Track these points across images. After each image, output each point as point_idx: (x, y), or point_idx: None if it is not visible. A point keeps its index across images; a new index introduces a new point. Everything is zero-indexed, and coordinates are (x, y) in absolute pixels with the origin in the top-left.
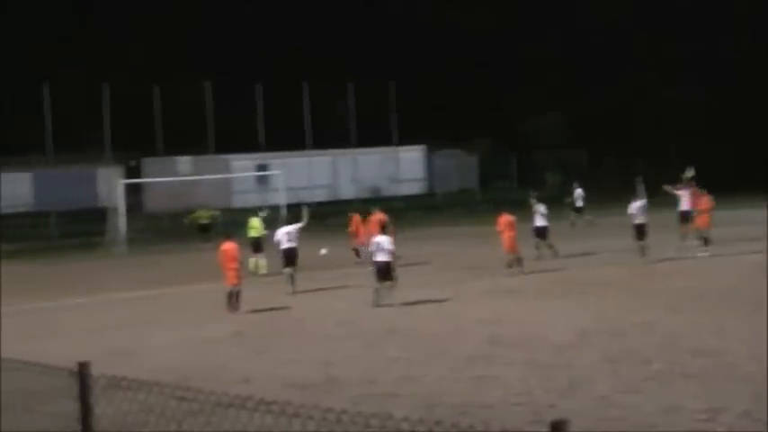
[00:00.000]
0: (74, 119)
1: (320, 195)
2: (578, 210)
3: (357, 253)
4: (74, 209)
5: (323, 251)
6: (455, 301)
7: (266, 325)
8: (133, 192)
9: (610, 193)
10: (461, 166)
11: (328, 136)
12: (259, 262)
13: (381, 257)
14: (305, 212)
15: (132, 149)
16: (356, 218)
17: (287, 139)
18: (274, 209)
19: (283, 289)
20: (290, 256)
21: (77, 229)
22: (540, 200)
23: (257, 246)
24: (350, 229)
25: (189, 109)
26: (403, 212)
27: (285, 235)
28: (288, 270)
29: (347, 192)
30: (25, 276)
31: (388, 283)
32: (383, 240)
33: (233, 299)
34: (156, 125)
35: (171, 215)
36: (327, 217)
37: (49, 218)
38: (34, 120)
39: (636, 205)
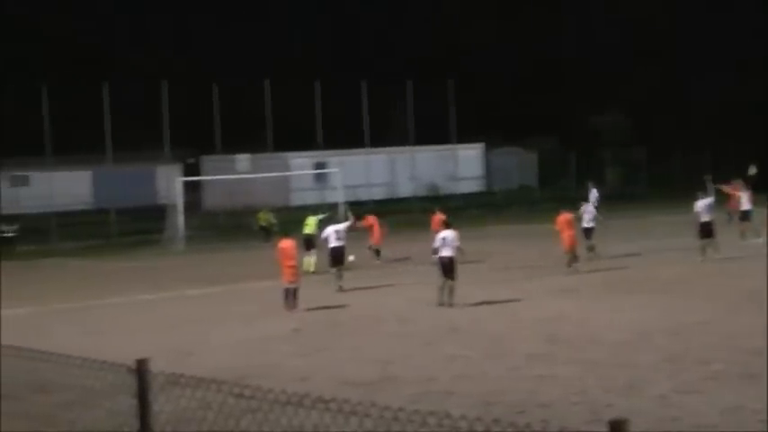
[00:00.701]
0: (133, 117)
1: (378, 193)
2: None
3: (377, 253)
4: (132, 207)
5: (351, 257)
6: (514, 300)
7: (324, 322)
8: (191, 189)
9: (670, 192)
10: (520, 164)
11: (386, 134)
12: (309, 260)
13: (447, 253)
14: (347, 212)
15: (191, 147)
16: (371, 218)
17: (345, 137)
18: (333, 209)
19: (333, 287)
20: (337, 255)
21: (136, 227)
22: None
23: (309, 243)
24: (363, 224)
25: (247, 107)
26: (461, 211)
27: (334, 233)
28: (335, 269)
29: (405, 190)
30: (85, 274)
31: (451, 281)
32: (449, 236)
33: (290, 297)
34: (215, 123)
35: (229, 213)
36: (386, 215)
37: (108, 216)
38: (93, 118)
39: (703, 203)
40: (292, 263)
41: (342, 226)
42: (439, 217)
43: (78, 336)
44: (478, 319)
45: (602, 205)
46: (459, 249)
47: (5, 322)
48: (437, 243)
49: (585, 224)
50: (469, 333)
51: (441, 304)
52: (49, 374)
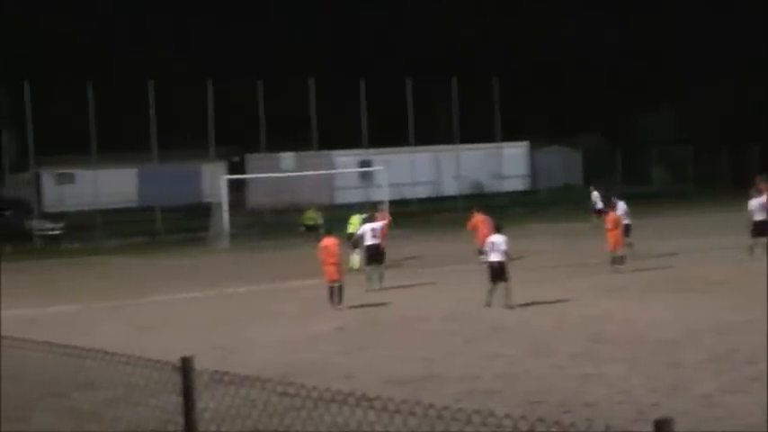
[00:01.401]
0: (178, 115)
1: (423, 192)
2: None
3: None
4: (178, 205)
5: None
6: (560, 299)
7: (367, 321)
8: (236, 188)
9: (717, 190)
10: (565, 162)
11: (431, 132)
12: (354, 258)
13: (496, 257)
14: (379, 210)
15: (235, 146)
16: (380, 215)
17: (390, 135)
18: (376, 207)
19: (368, 286)
20: (373, 254)
21: (181, 225)
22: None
23: (354, 242)
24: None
25: (292, 105)
26: (506, 209)
27: (370, 231)
28: (370, 267)
29: (450, 188)
30: (130, 272)
31: (502, 284)
32: (499, 240)
33: (335, 295)
34: (260, 121)
35: (274, 211)
36: (431, 213)
37: (153, 214)
38: (139, 116)
39: (757, 201)
40: (335, 260)
41: (378, 224)
42: (478, 217)
43: (124, 333)
44: (522, 318)
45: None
46: (507, 254)
47: (52, 319)
48: (486, 247)
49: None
50: (513, 332)
51: (488, 305)
52: (95, 372)
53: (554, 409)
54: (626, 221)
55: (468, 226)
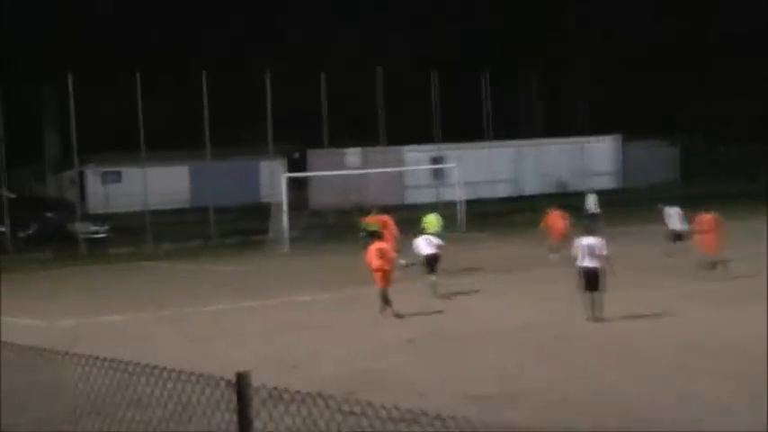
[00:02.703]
0: (233, 108)
1: (501, 191)
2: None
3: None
4: (233, 205)
5: (402, 261)
6: (650, 307)
7: (440, 331)
8: (297, 187)
9: None
10: (660, 158)
11: (510, 125)
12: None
13: (591, 263)
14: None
15: (296, 141)
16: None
17: (465, 129)
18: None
19: (431, 294)
20: (432, 262)
21: (237, 227)
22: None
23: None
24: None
25: (358, 96)
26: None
27: (424, 240)
28: (431, 278)
29: (531, 186)
30: (183, 278)
31: (596, 294)
32: (595, 243)
33: (385, 301)
34: (323, 114)
35: (338, 212)
36: (510, 214)
37: (206, 215)
38: (191, 110)
39: None
40: (380, 265)
41: (433, 236)
42: (553, 213)
43: (176, 345)
44: (612, 328)
45: (735, 206)
46: (607, 259)
47: (98, 331)
48: (577, 250)
49: (675, 227)
50: (601, 342)
51: (589, 319)
52: (144, 388)
53: (644, 426)
54: (681, 227)
55: (541, 223)
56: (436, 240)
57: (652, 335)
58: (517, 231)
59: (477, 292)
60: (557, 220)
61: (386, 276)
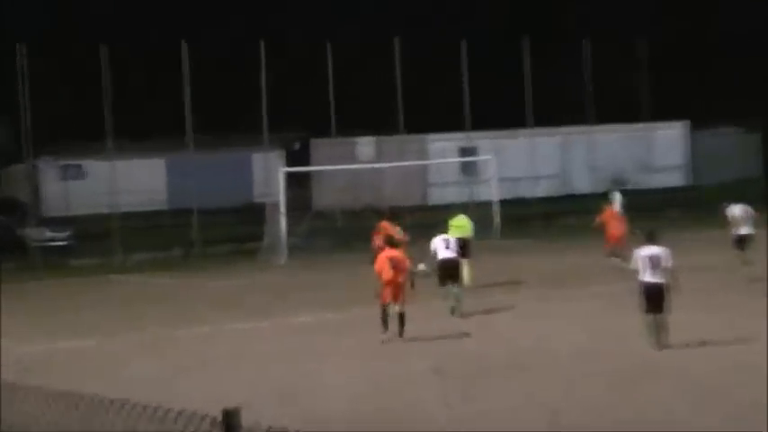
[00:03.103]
0: (219, 88)
1: (545, 188)
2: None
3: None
4: (220, 206)
5: (421, 266)
6: (730, 331)
7: (472, 360)
8: (298, 184)
9: None
10: (738, 149)
11: (556, 109)
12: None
13: (654, 277)
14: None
15: (296, 128)
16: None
17: (501, 113)
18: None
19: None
20: (448, 270)
21: (225, 233)
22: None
23: (465, 249)
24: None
25: (371, 74)
26: (658, 211)
27: (442, 242)
28: (447, 287)
29: (581, 183)
30: (160, 295)
31: (660, 315)
32: (659, 253)
33: (390, 321)
34: (329, 96)
35: (347, 214)
36: (556, 217)
37: (188, 218)
38: (169, 90)
39: None
40: (390, 277)
41: (452, 237)
42: (609, 211)
43: (154, 376)
44: (684, 356)
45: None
46: (672, 273)
47: (62, 359)
48: (637, 263)
49: (741, 231)
50: (669, 374)
51: (653, 346)
52: (117, 426)
53: None
54: (749, 231)
55: (595, 222)
56: (455, 243)
57: (734, 365)
58: (563, 238)
59: (514, 311)
60: (613, 222)
61: (398, 291)
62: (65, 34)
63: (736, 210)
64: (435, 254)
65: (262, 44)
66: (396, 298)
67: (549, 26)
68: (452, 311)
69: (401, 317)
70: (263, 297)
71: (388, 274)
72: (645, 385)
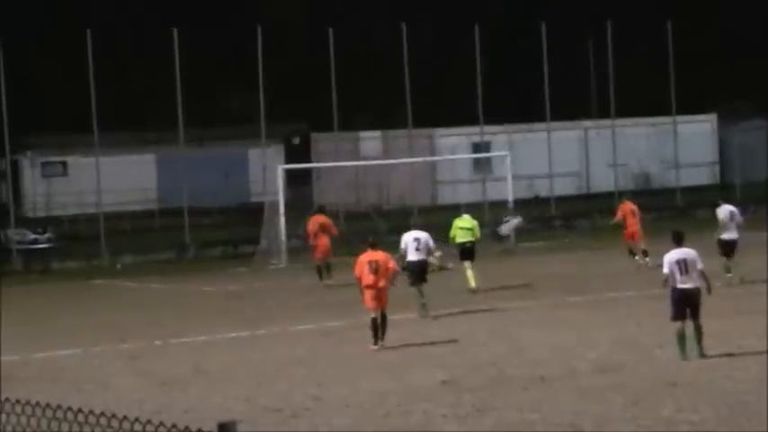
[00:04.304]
0: (213, 77)
1: (564, 187)
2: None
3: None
4: (214, 206)
5: (450, 265)
6: (757, 341)
7: (486, 371)
8: (298, 181)
9: None
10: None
11: (575, 101)
12: (468, 272)
13: (688, 283)
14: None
15: (296, 121)
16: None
17: (516, 106)
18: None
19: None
20: (416, 271)
21: (219, 235)
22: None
23: (470, 252)
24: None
25: (377, 62)
26: (685, 212)
27: (413, 242)
28: (416, 288)
29: (602, 181)
30: (149, 302)
31: (695, 322)
32: (692, 255)
33: (377, 329)
34: (331, 86)
35: (350, 214)
36: (575, 217)
37: (179, 219)
38: (158, 81)
39: None
40: (371, 281)
41: (424, 234)
42: (626, 205)
43: (142, 389)
44: (708, 368)
45: None
46: (704, 278)
47: (41, 370)
48: (667, 267)
49: (729, 235)
50: (697, 388)
51: (683, 358)
52: None
53: None
54: (733, 236)
55: (614, 217)
56: (425, 242)
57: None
58: (583, 240)
59: (530, 319)
60: (630, 217)
61: (380, 295)
62: (46, 19)
63: (725, 211)
64: (405, 253)
65: (259, 30)
66: (379, 302)
67: (569, 11)
68: (422, 309)
69: (383, 321)
70: (261, 303)
71: (368, 278)
72: (667, 398)
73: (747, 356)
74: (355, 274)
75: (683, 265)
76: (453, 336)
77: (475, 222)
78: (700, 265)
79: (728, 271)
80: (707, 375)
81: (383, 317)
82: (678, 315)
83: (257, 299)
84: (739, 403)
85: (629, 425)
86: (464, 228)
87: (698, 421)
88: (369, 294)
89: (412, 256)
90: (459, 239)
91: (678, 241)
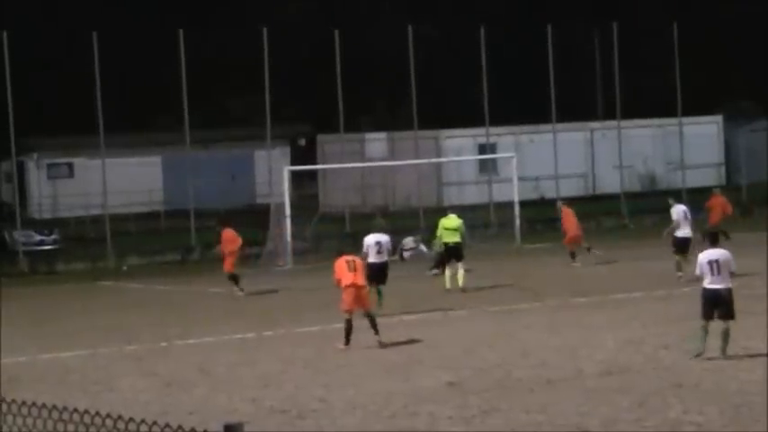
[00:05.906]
0: (219, 78)
1: (569, 188)
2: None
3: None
4: (220, 207)
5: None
6: (761, 342)
7: (492, 372)
8: (304, 183)
9: None
10: None
11: (582, 103)
12: (459, 272)
13: (716, 283)
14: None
15: (302, 122)
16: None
17: (522, 107)
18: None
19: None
20: (377, 273)
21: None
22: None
23: (456, 252)
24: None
25: (383, 64)
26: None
27: (375, 245)
28: (373, 288)
29: (609, 183)
30: (155, 303)
31: (724, 323)
32: (725, 256)
33: (351, 330)
34: (337, 88)
35: (356, 215)
36: (581, 218)
37: (185, 220)
38: (164, 82)
39: None
40: (352, 280)
41: (386, 237)
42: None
43: (147, 390)
44: (712, 370)
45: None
46: (732, 277)
47: (47, 371)
48: (699, 267)
49: (680, 233)
50: (704, 389)
51: (698, 354)
52: None
53: None
54: (686, 234)
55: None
56: (386, 244)
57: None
58: (589, 242)
59: (536, 321)
60: (568, 217)
61: (361, 294)
62: (52, 20)
63: (679, 210)
64: (367, 254)
65: (264, 31)
66: (361, 302)
67: (574, 13)
68: (378, 307)
69: (372, 321)
70: (267, 305)
71: (348, 277)
72: (673, 399)
73: (753, 358)
74: (335, 277)
75: (716, 266)
76: (459, 337)
77: (460, 222)
78: (733, 267)
79: (680, 269)
80: (713, 377)
81: (370, 317)
82: (706, 314)
83: (264, 300)
84: (745, 404)
85: (635, 426)
86: (450, 228)
87: (704, 422)
88: (350, 294)
89: (373, 258)
90: (446, 239)
91: (713, 242)
